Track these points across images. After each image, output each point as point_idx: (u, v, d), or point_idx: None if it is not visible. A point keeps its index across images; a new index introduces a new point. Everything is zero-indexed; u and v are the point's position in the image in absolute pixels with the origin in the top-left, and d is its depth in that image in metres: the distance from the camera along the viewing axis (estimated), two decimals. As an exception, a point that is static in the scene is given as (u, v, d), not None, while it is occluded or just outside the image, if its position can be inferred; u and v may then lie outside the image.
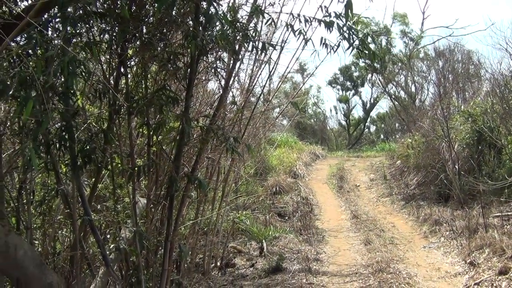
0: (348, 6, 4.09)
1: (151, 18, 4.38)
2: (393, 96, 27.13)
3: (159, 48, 4.45)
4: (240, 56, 5.76)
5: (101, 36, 4.32)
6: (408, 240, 9.71)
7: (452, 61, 21.28)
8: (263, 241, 9.16)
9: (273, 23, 5.09)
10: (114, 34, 4.19)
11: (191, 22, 4.16)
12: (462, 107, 15.23)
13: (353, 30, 4.25)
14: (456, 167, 11.81)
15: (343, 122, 38.14)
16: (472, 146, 12.02)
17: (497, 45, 16.93)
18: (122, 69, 4.44)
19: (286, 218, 12.22)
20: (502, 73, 17.51)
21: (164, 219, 4.71)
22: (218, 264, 8.12)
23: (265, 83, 8.26)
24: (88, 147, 3.95)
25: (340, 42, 4.33)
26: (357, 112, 37.52)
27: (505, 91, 13.29)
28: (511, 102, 11.80)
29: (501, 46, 16.40)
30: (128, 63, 4.56)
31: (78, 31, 3.83)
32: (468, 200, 11.04)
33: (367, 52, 4.39)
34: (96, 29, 4.17)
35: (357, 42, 4.30)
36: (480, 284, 6.45)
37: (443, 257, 8.22)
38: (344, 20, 4.17)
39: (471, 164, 11.67)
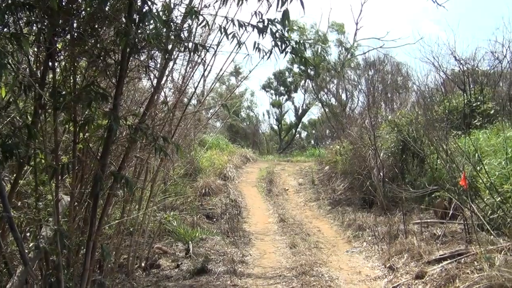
0: (285, 14, 4.16)
1: (82, 13, 4.29)
2: (324, 103, 27.66)
3: (89, 44, 4.36)
4: (173, 56, 5.73)
5: (29, 27, 4.20)
6: (332, 244, 9.91)
7: (382, 72, 21.97)
8: (190, 242, 9.12)
9: (207, 25, 5.10)
10: (43, 26, 4.08)
11: (124, 19, 4.11)
12: (389, 117, 15.71)
13: (285, 38, 4.32)
14: (381, 174, 12.18)
15: (275, 127, 38.59)
16: (396, 154, 12.44)
17: (424, 59, 17.71)
18: (50, 63, 4.33)
19: (214, 220, 12.21)
20: (427, 86, 18.31)
21: (88, 218, 4.61)
22: (143, 264, 8.01)
23: (198, 84, 8.24)
24: (10, 141, 3.82)
25: (272, 48, 4.39)
26: (289, 117, 38.12)
27: (430, 103, 13.86)
28: (434, 114, 12.31)
29: (428, 60, 17.17)
30: (57, 57, 4.44)
31: (5, 21, 3.70)
32: (391, 206, 11.40)
33: (299, 58, 4.47)
34: (24, 20, 4.05)
35: (289, 49, 4.37)
36: (397, 287, 6.68)
37: (364, 261, 8.43)
38: (277, 26, 4.23)
39: (395, 172, 12.07)
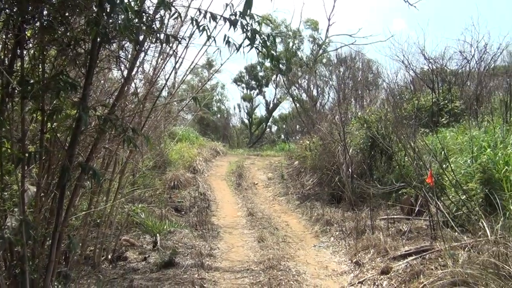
0: (248, 3, 4.15)
1: (52, 0, 4.22)
2: (295, 98, 27.77)
3: (59, 32, 4.29)
4: (144, 47, 5.68)
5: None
6: (300, 238, 9.97)
7: (353, 69, 22.16)
8: (157, 235, 9.08)
9: (180, 17, 5.07)
10: (12, 13, 4.00)
11: (95, 8, 4.06)
12: (359, 113, 15.85)
13: (257, 32, 4.32)
14: (350, 170, 12.29)
15: (246, 121, 38.64)
16: (365, 151, 12.56)
17: (394, 57, 17.98)
18: (18, 51, 4.25)
19: (183, 213, 12.18)
20: (397, 83, 18.58)
21: (54, 209, 4.55)
22: (109, 257, 7.94)
23: (169, 76, 8.18)
24: (-25, 129, 3.74)
25: (243, 42, 4.38)
26: (260, 112, 38.21)
27: (399, 101, 14.03)
28: (403, 112, 12.47)
29: (398, 58, 17.42)
30: (25, 45, 4.36)
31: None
32: (358, 202, 11.52)
33: (267, 54, 4.47)
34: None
35: (257, 44, 4.37)
36: (363, 282, 6.76)
37: (331, 256, 8.52)
38: (247, 20, 4.23)
39: (363, 168, 12.19)
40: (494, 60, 16.24)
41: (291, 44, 30.96)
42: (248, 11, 4.17)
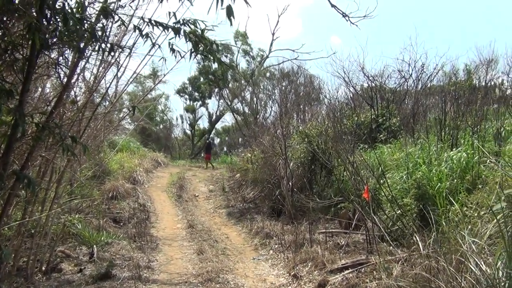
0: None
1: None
2: (235, 112, 27.89)
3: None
4: (85, 55, 5.60)
5: None
6: (240, 251, 9.99)
7: (296, 84, 22.47)
8: (94, 246, 8.89)
9: (123, 25, 5.04)
10: None
11: (35, 14, 3.98)
12: (301, 127, 16.04)
13: (203, 38, 4.34)
14: (290, 184, 12.40)
15: (188, 132, 38.50)
16: (306, 165, 12.71)
17: (336, 73, 18.38)
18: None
19: (121, 224, 11.98)
20: (338, 99, 18.97)
21: (-14, 218, 4.41)
22: (43, 268, 7.71)
23: (110, 85, 8.09)
24: None
25: (191, 50, 4.40)
26: (203, 123, 38.19)
27: (339, 116, 14.31)
28: (343, 127, 12.73)
29: (339, 74, 17.81)
30: (-41, 48, 4.23)
31: None
32: (298, 216, 11.62)
33: (213, 58, 4.50)
34: None
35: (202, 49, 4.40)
36: (300, 295, 6.85)
37: (270, 269, 8.56)
38: (191, 26, 4.24)
39: (303, 182, 12.32)
40: (430, 80, 16.87)
41: (224, 58, 31.23)
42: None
